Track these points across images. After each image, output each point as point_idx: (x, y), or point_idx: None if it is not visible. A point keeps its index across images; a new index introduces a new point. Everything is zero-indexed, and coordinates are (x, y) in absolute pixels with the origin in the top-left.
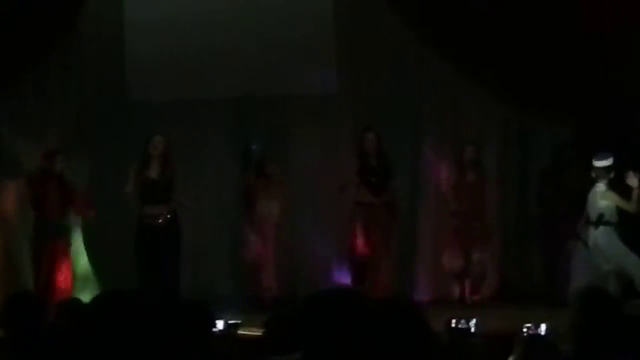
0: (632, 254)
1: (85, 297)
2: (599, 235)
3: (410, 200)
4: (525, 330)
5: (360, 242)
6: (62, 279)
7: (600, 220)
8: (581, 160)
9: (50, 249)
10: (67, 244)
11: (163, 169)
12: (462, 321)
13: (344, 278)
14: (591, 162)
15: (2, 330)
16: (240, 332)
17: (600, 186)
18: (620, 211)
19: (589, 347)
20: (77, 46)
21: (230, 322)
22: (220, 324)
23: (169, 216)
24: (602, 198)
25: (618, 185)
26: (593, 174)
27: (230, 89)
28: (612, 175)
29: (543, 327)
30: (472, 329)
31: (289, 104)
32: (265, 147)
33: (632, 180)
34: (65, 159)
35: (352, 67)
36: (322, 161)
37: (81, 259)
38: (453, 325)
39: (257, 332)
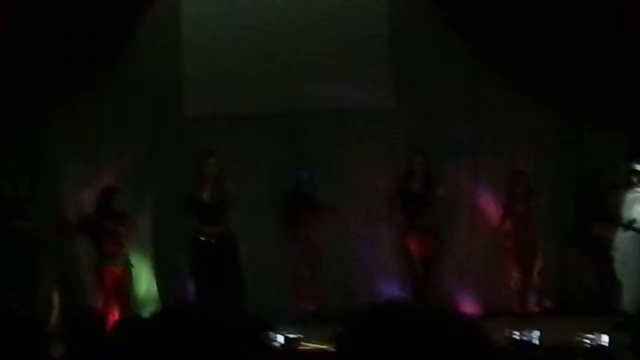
0: None
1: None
2: (624, 240)
3: (466, 217)
4: (587, 341)
5: (408, 257)
6: (123, 303)
7: (630, 225)
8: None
9: (111, 275)
10: (128, 271)
11: (214, 191)
12: (525, 333)
13: (396, 291)
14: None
15: (63, 345)
16: (302, 346)
17: (639, 191)
18: None
19: None
20: (134, 65)
21: (290, 336)
22: (280, 339)
23: (223, 235)
24: (637, 204)
25: None
26: (634, 178)
27: (283, 105)
28: None
29: (605, 339)
30: (535, 341)
31: (341, 119)
32: (314, 174)
33: None
34: (123, 192)
35: (407, 84)
36: (375, 176)
37: (144, 283)
38: (516, 337)
39: (319, 346)
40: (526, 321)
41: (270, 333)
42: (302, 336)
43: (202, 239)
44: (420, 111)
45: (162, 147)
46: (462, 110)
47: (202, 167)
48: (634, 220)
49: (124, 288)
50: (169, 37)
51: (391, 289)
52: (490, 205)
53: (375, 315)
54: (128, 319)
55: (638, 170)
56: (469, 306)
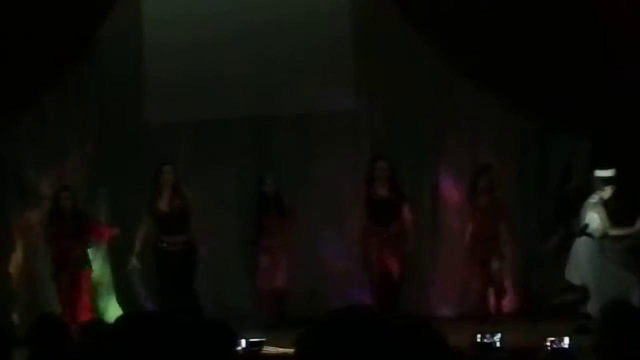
0: (603, 273)
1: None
2: (579, 245)
3: (431, 217)
4: (548, 344)
5: (376, 263)
6: (83, 305)
7: (583, 231)
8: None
9: (69, 278)
10: (87, 272)
11: (172, 200)
12: (487, 336)
13: (364, 295)
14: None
15: (28, 350)
16: (265, 350)
17: (595, 197)
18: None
19: None
20: (95, 70)
21: (253, 340)
22: (243, 343)
23: (183, 244)
24: (590, 210)
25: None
26: (594, 184)
27: (247, 109)
28: (610, 187)
29: (566, 341)
30: (497, 344)
31: (306, 122)
32: (280, 179)
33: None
34: (76, 191)
35: (370, 86)
36: (341, 178)
37: (104, 283)
38: (478, 340)
39: (282, 350)
40: (493, 323)
41: (233, 337)
42: (264, 340)
43: (163, 247)
44: (383, 112)
45: (122, 151)
46: (424, 110)
47: (158, 176)
48: (586, 226)
49: (83, 292)
50: (131, 40)
51: (359, 294)
52: (453, 203)
53: (333, 320)
54: (91, 324)
55: (597, 177)
56: (439, 308)
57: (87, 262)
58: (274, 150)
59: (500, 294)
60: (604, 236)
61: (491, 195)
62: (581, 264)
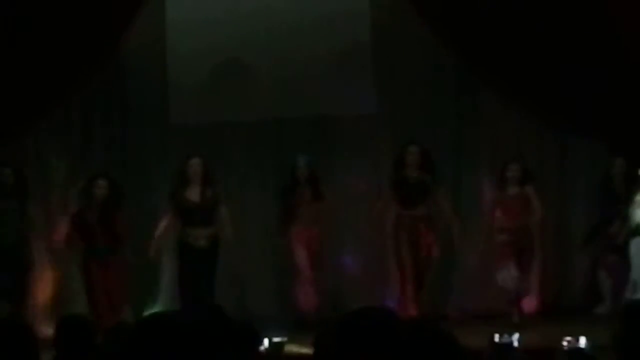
0: None
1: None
2: (634, 245)
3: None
4: (565, 344)
5: (404, 253)
6: (116, 299)
7: (637, 231)
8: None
9: (100, 274)
10: (119, 266)
11: (204, 191)
12: (505, 336)
13: (387, 294)
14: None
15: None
16: (287, 350)
17: None
18: None
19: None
20: (120, 74)
21: (275, 340)
22: (265, 343)
23: (208, 240)
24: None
25: None
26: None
27: (269, 111)
28: None
29: (583, 341)
30: (515, 344)
31: (326, 124)
32: (314, 164)
33: None
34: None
35: (391, 87)
36: (362, 178)
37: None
38: (497, 340)
39: (304, 350)
40: (518, 324)
41: (257, 337)
42: (286, 339)
43: (188, 241)
44: (402, 114)
45: (147, 151)
46: (443, 113)
47: (186, 169)
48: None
49: (116, 287)
50: (154, 44)
51: (384, 293)
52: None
53: (347, 321)
54: (115, 326)
55: None
56: (465, 307)
57: (117, 252)
58: (293, 152)
59: (524, 296)
60: None
61: (522, 187)
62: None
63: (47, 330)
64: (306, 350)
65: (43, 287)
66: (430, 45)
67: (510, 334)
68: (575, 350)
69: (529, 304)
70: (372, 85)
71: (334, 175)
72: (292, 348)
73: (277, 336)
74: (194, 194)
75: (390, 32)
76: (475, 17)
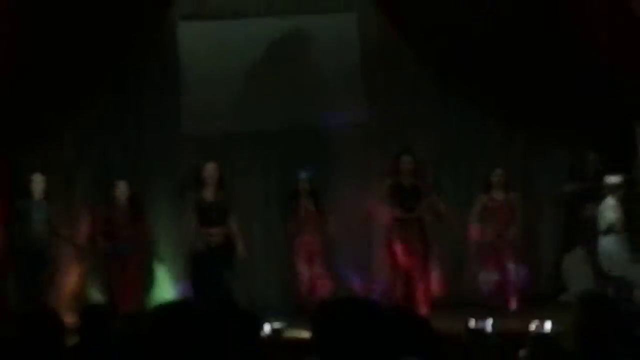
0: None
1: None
2: (607, 244)
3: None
4: (533, 328)
5: (399, 255)
6: (134, 292)
7: (610, 230)
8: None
9: (119, 267)
10: (136, 261)
11: (217, 193)
12: (480, 321)
13: (380, 294)
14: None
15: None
16: (287, 335)
17: (611, 200)
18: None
19: (589, 344)
20: (135, 85)
21: (275, 326)
22: (267, 329)
23: (222, 238)
24: (611, 211)
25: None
26: (605, 190)
27: (274, 124)
28: (622, 190)
29: (548, 326)
30: (489, 329)
31: (323, 134)
32: (314, 178)
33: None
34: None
35: (380, 102)
36: (355, 186)
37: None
38: (471, 325)
39: (302, 335)
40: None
41: (259, 324)
42: (286, 325)
43: (204, 240)
44: (391, 125)
45: (161, 160)
46: (426, 122)
47: (202, 173)
48: (612, 226)
49: (133, 281)
50: (169, 66)
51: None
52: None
53: (336, 307)
54: (131, 313)
55: (609, 184)
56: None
57: (135, 252)
58: (294, 159)
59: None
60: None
61: (506, 193)
62: (612, 258)
63: (70, 318)
64: (305, 335)
65: (67, 280)
66: (413, 65)
67: (484, 320)
68: (539, 336)
69: (513, 295)
70: (364, 100)
71: (330, 179)
72: (291, 333)
73: (277, 323)
74: (209, 194)
75: (378, 54)
76: (454, 40)
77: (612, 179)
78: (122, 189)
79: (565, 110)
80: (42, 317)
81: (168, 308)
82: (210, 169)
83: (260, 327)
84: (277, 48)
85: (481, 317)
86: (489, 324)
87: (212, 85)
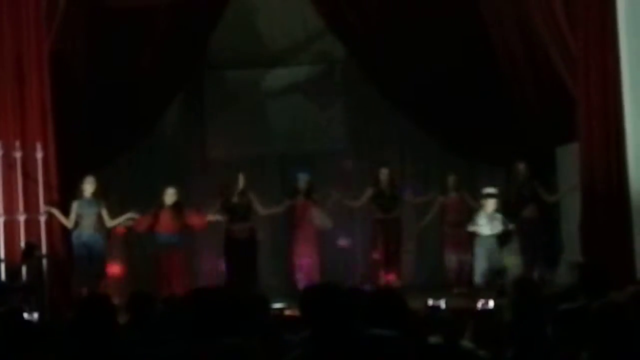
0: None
1: None
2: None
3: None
4: (479, 305)
5: (379, 246)
6: (180, 282)
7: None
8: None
9: (166, 259)
10: (183, 254)
11: (241, 197)
12: (435, 301)
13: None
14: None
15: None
16: (286, 313)
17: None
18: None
19: (522, 317)
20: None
21: (277, 306)
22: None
23: (248, 233)
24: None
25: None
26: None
27: (276, 150)
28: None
29: (491, 303)
30: (442, 306)
31: (314, 158)
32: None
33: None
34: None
35: (356, 133)
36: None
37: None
38: (429, 303)
39: (298, 313)
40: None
41: (267, 304)
42: (286, 304)
43: (232, 235)
44: (363, 151)
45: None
46: (390, 149)
47: (231, 183)
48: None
49: (180, 271)
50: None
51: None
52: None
53: (305, 292)
54: (170, 296)
55: (486, 194)
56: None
57: (182, 245)
58: (292, 175)
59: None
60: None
61: (459, 192)
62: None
63: (118, 300)
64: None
65: (116, 269)
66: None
67: (439, 299)
68: (485, 311)
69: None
70: (342, 131)
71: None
72: (290, 312)
73: (278, 303)
74: (235, 197)
75: (356, 99)
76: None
77: (488, 190)
78: (169, 194)
79: (498, 139)
80: (97, 300)
81: (197, 292)
82: (241, 179)
83: (269, 306)
84: (277, 91)
85: (438, 298)
86: (442, 302)
87: (231, 118)
